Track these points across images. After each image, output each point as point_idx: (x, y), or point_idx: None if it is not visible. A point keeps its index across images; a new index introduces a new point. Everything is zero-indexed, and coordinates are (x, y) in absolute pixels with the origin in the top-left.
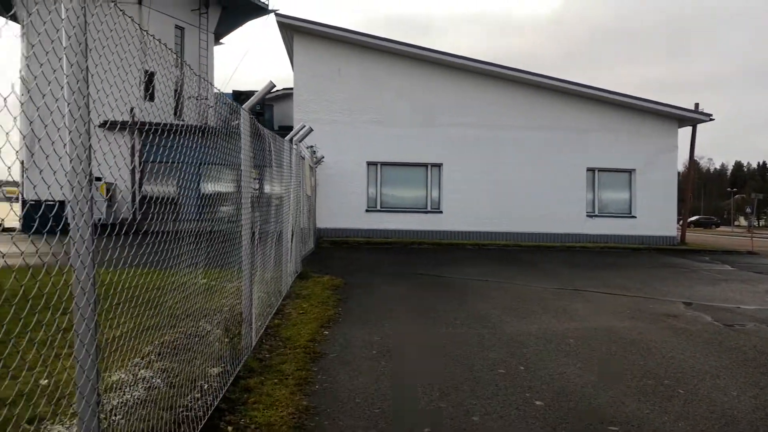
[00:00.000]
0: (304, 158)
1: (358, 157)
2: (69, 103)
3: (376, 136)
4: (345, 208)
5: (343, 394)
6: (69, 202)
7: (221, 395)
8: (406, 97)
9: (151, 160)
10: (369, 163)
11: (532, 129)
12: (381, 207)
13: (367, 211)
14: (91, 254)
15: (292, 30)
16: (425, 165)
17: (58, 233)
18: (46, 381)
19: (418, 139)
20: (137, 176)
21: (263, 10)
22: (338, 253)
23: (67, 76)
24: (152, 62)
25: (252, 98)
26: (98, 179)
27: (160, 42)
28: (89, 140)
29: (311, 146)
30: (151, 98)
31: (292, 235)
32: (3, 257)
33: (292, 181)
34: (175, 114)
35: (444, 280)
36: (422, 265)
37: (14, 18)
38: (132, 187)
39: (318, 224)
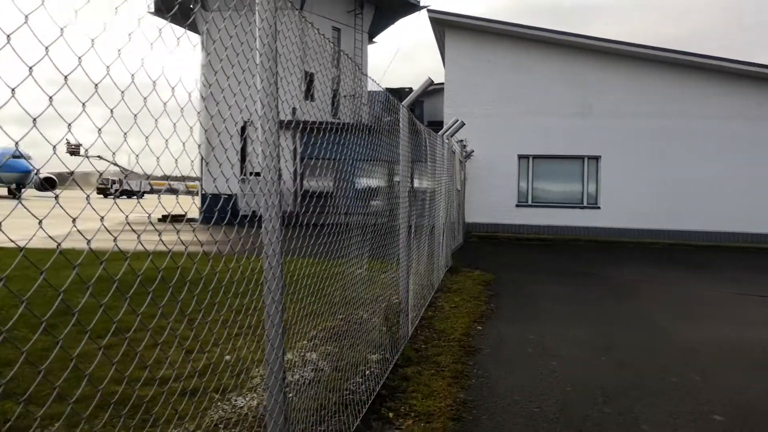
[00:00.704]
0: (454, 153)
1: (509, 150)
2: (263, 105)
3: (527, 128)
4: (494, 202)
5: (499, 389)
6: (241, 194)
7: (382, 382)
8: (560, 87)
9: (309, 156)
10: (520, 157)
11: (710, 118)
12: (532, 202)
13: (517, 205)
14: (280, 243)
15: (444, 25)
16: (581, 157)
17: (223, 223)
18: (229, 357)
19: (572, 130)
20: (298, 172)
21: (415, 7)
22: (487, 248)
23: (261, 81)
24: (313, 63)
25: (411, 95)
26: (254, 174)
27: (345, 54)
28: (278, 139)
29: (461, 140)
30: (311, 98)
31: (443, 229)
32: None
33: (443, 176)
34: (332, 113)
35: (602, 278)
36: (577, 262)
37: (193, 28)
38: (294, 183)
39: (467, 219)
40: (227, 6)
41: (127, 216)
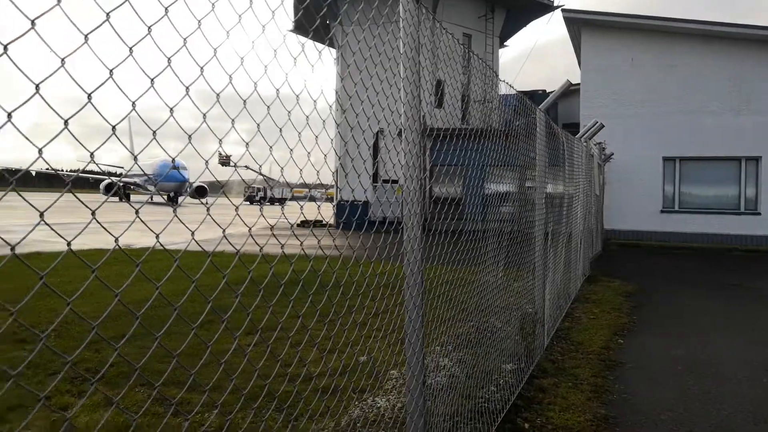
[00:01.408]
0: (593, 156)
1: (653, 152)
2: (407, 117)
3: (674, 128)
4: (636, 208)
5: (644, 407)
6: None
7: (517, 392)
8: (712, 83)
9: (439, 163)
10: (665, 159)
11: None
12: (679, 207)
13: (662, 211)
14: (421, 250)
15: (580, 24)
16: (737, 159)
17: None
18: (364, 358)
19: (727, 129)
20: (426, 179)
21: (548, 8)
22: (628, 256)
23: (405, 93)
24: (443, 70)
25: (548, 98)
26: (395, 182)
27: (476, 55)
28: (421, 149)
29: (600, 143)
30: (440, 105)
31: (581, 237)
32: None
33: (581, 181)
34: (462, 119)
35: (761, 293)
36: (733, 274)
37: (330, 44)
38: (423, 189)
39: (606, 225)
40: (362, 22)
41: (272, 226)
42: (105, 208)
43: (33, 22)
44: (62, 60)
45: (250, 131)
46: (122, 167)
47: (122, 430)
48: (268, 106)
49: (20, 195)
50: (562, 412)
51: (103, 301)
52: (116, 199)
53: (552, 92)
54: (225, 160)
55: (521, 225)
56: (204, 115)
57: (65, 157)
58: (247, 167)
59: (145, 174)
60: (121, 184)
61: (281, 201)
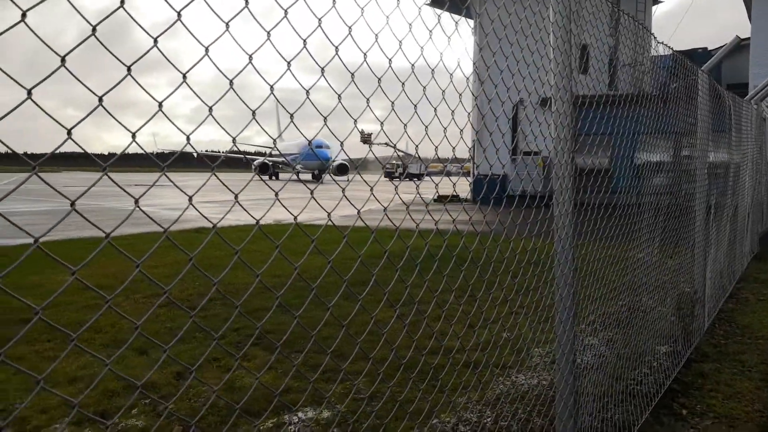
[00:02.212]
0: (765, 119)
1: None
2: (559, 88)
3: None
4: None
5: None
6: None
7: (673, 376)
8: None
9: (585, 132)
10: None
11: None
12: None
13: None
14: (573, 226)
15: None
16: None
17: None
18: (507, 334)
19: None
20: (571, 150)
21: None
22: None
23: (557, 64)
24: (587, 34)
25: (713, 57)
26: (536, 153)
27: (626, 13)
28: (573, 121)
29: None
30: (585, 71)
31: (749, 210)
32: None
33: (750, 148)
34: (609, 85)
35: None
36: None
37: (468, 15)
38: (570, 155)
39: None
40: None
41: (411, 200)
42: (256, 185)
43: (179, 14)
44: (206, 48)
45: (387, 108)
46: (271, 147)
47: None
48: (403, 83)
49: (217, 177)
50: (726, 401)
51: (266, 271)
52: (266, 177)
53: (717, 50)
54: (366, 138)
55: (679, 198)
56: (339, 96)
57: (225, 139)
58: (387, 144)
59: (290, 154)
60: (270, 163)
61: (419, 177)
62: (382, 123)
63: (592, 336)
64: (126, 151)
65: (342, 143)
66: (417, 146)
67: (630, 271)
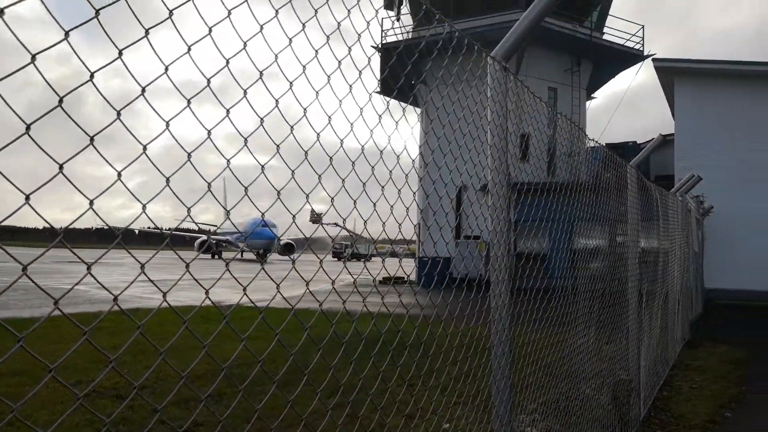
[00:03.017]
0: (690, 211)
1: (760, 203)
2: (494, 175)
3: None
4: (741, 265)
5: None
6: (453, 258)
7: None
8: None
9: (523, 219)
10: None
11: None
12: None
13: None
14: (508, 308)
15: (672, 73)
16: None
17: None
18: (447, 425)
19: None
20: (511, 234)
21: (637, 58)
22: (735, 319)
23: (491, 155)
24: (528, 124)
25: (639, 155)
26: (476, 238)
27: (562, 115)
28: (509, 206)
29: (697, 196)
30: (525, 158)
31: (679, 297)
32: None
33: (677, 237)
34: (548, 172)
35: None
36: None
37: (415, 103)
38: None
39: (707, 284)
40: (446, 79)
41: (355, 278)
42: (198, 264)
43: (143, 89)
44: (167, 123)
45: (335, 188)
46: (216, 225)
47: None
48: (353, 165)
49: (125, 248)
50: None
51: (191, 358)
52: (209, 256)
53: (646, 143)
54: (316, 218)
55: (613, 283)
56: (293, 172)
57: (165, 216)
58: (336, 224)
59: (238, 231)
60: (214, 241)
61: (365, 257)
62: (332, 199)
63: (532, 427)
64: (63, 226)
65: (294, 219)
66: (365, 224)
67: (568, 358)
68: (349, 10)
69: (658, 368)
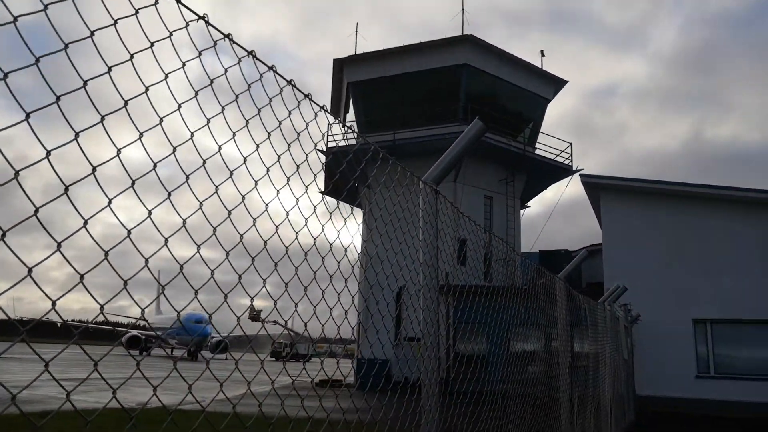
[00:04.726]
0: (618, 319)
1: (682, 314)
2: (425, 276)
3: (701, 289)
4: (669, 373)
5: None
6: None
7: None
8: (738, 244)
9: (464, 321)
10: (695, 321)
11: None
12: (715, 373)
13: (697, 377)
14: (438, 410)
15: (599, 188)
16: None
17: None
18: None
19: (758, 291)
20: (450, 336)
21: (567, 172)
22: (666, 427)
23: (423, 255)
24: (464, 231)
25: (566, 269)
26: (417, 339)
27: (497, 237)
28: (438, 307)
29: (625, 304)
30: (463, 263)
31: (610, 404)
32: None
33: (607, 345)
34: (484, 277)
35: None
36: None
37: (359, 206)
38: (446, 347)
39: (638, 391)
40: (387, 186)
41: (293, 380)
42: (128, 362)
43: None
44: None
45: (276, 285)
46: (146, 320)
47: None
48: (297, 267)
49: (29, 345)
50: None
51: None
52: (137, 352)
53: (575, 252)
54: (255, 315)
55: (545, 388)
56: (239, 277)
57: (94, 308)
58: (276, 322)
59: (165, 328)
60: (143, 337)
61: (305, 357)
62: (275, 301)
63: None
64: None
65: (239, 319)
66: (306, 324)
67: None
68: (307, 124)
69: None
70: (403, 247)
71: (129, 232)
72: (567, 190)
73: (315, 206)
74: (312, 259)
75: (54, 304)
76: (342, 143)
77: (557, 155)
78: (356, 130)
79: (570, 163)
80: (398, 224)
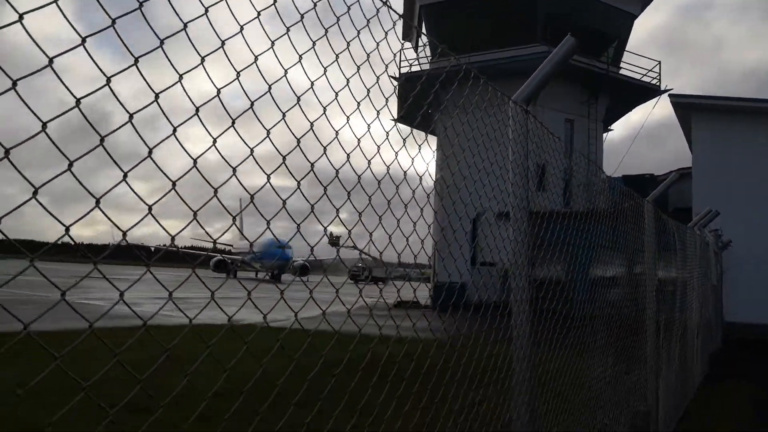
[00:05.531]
0: (708, 244)
1: None
2: (516, 197)
3: None
4: (758, 300)
5: None
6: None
7: None
8: None
9: (543, 245)
10: None
11: None
12: None
13: None
14: (530, 333)
15: (689, 109)
16: None
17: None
18: None
19: None
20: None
21: (654, 92)
22: (756, 355)
23: (514, 176)
24: (545, 155)
25: (655, 191)
26: (491, 264)
27: (584, 156)
28: (529, 229)
29: (716, 230)
30: (542, 187)
31: (697, 330)
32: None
33: (695, 270)
34: (564, 202)
35: None
36: None
37: (432, 133)
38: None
39: (726, 317)
40: (466, 108)
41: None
42: (214, 283)
43: (175, 129)
44: (174, 128)
45: (353, 212)
46: (231, 245)
47: None
48: (377, 188)
49: (151, 273)
50: None
51: (216, 376)
52: (224, 275)
53: (663, 175)
54: (334, 240)
55: (631, 312)
56: (312, 206)
57: (183, 234)
58: (355, 247)
59: (249, 253)
60: (229, 261)
61: (383, 280)
62: (352, 228)
63: None
64: (85, 243)
65: (312, 247)
66: (391, 245)
67: (586, 387)
68: (378, 43)
69: (677, 401)
70: (481, 174)
71: (195, 160)
72: (654, 111)
73: (387, 132)
74: (386, 186)
75: (172, 238)
76: (415, 68)
77: (644, 75)
78: (429, 55)
79: (657, 83)
80: (477, 149)
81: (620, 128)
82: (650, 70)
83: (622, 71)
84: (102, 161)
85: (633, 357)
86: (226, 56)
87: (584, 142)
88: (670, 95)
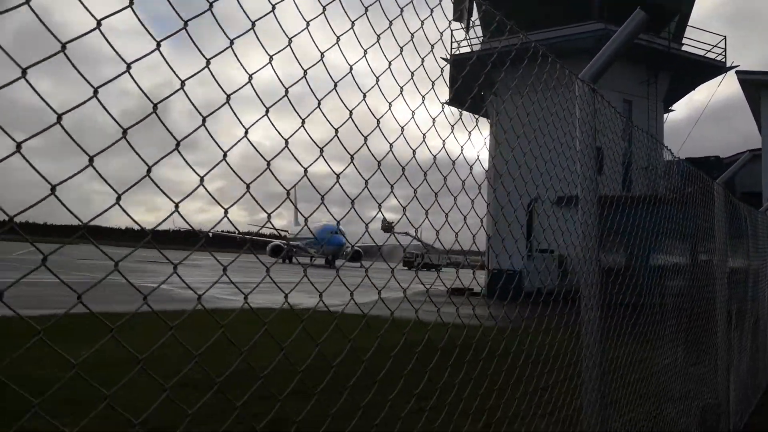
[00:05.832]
0: None
1: None
2: (583, 188)
3: None
4: None
5: None
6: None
7: None
8: None
9: (608, 229)
10: None
11: None
12: None
13: None
14: (599, 321)
15: (758, 86)
16: None
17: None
18: None
19: None
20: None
21: (719, 69)
22: None
23: (581, 166)
24: (603, 137)
25: (728, 171)
26: (550, 251)
27: (638, 128)
28: (597, 218)
29: None
30: (600, 171)
31: None
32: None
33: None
34: (623, 186)
35: None
36: None
37: (485, 115)
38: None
39: None
40: (520, 90)
41: (428, 288)
42: (278, 269)
43: (228, 97)
44: (246, 130)
45: (406, 197)
46: (287, 231)
47: None
48: (425, 172)
49: (212, 255)
50: None
51: (271, 357)
52: (280, 260)
53: (728, 158)
54: (387, 226)
55: (701, 302)
56: (366, 181)
57: (240, 221)
58: (407, 233)
59: (305, 238)
60: (286, 246)
61: (437, 267)
62: (404, 208)
63: None
64: (144, 228)
65: (367, 227)
66: (438, 233)
67: (655, 377)
68: (422, 21)
69: (749, 393)
70: (539, 159)
71: (269, 163)
72: (719, 90)
73: (434, 118)
74: (443, 170)
75: (227, 212)
76: (469, 48)
77: (708, 51)
78: (481, 35)
79: (723, 60)
80: (535, 130)
81: (683, 109)
82: (715, 46)
83: (684, 47)
84: (161, 148)
85: (702, 348)
86: (292, 51)
87: (644, 123)
88: (737, 72)
